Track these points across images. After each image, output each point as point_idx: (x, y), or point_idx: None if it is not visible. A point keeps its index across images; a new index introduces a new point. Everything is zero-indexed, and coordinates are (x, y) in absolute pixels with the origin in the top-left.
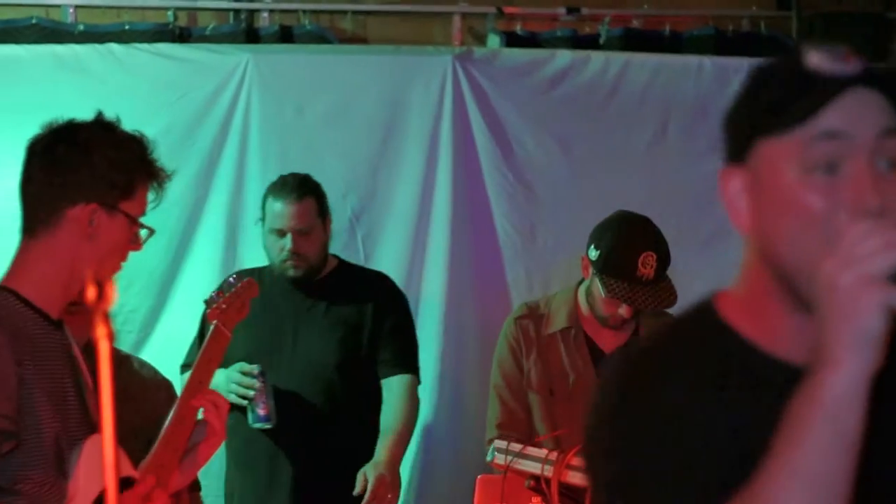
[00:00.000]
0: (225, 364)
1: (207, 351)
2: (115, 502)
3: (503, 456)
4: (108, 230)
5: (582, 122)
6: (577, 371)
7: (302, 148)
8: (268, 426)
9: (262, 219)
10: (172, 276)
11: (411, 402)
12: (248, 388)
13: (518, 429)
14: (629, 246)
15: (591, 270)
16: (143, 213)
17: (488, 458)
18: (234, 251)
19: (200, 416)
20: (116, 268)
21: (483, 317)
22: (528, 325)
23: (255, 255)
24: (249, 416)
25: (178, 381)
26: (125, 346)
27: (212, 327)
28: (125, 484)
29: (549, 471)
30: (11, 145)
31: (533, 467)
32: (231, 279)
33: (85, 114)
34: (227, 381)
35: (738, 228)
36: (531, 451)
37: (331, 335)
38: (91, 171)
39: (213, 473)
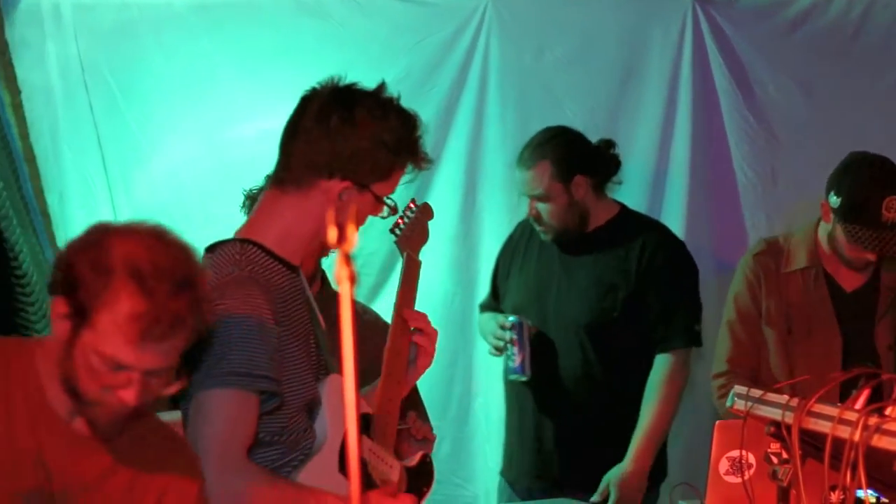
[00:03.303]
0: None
1: (405, 282)
2: (357, 443)
3: (743, 402)
4: (355, 205)
5: (824, 64)
6: (815, 311)
7: (541, 92)
8: (522, 378)
9: None
10: None
11: (670, 387)
12: (499, 339)
13: (747, 364)
14: (872, 190)
15: (832, 216)
16: (392, 191)
17: (728, 404)
18: (474, 196)
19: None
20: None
21: (721, 261)
22: (767, 261)
23: (494, 200)
24: (505, 368)
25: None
26: (364, 289)
27: (404, 257)
28: (363, 420)
29: (789, 417)
30: (255, 89)
31: (773, 413)
32: (410, 205)
33: (325, 58)
34: (488, 332)
35: None
36: (771, 396)
37: (586, 295)
38: (356, 151)
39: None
